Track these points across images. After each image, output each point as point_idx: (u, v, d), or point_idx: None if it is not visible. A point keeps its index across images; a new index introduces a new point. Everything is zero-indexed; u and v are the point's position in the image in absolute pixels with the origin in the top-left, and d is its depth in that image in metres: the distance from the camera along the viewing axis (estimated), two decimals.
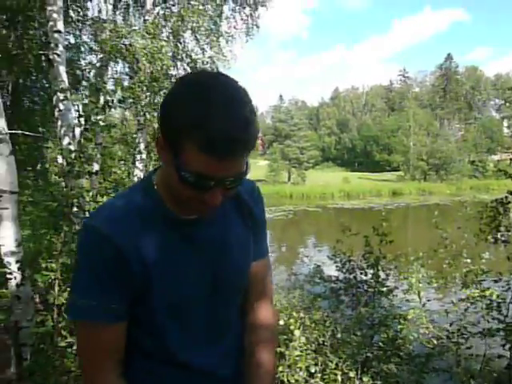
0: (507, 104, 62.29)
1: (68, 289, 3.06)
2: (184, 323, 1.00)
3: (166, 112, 0.85)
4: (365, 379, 3.10)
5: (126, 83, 8.13)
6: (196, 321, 1.01)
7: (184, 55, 10.32)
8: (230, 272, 1.05)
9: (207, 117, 0.79)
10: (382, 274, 4.56)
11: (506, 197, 4.16)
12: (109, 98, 3.00)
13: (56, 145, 9.15)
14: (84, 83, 8.33)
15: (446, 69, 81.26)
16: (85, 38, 9.57)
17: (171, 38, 9.50)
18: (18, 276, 3.08)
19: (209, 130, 0.78)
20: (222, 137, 0.78)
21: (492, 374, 3.68)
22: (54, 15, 4.28)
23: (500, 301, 3.94)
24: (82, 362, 1.01)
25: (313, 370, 3.08)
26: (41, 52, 7.44)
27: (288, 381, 3.00)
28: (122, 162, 7.31)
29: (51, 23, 4.27)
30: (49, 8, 4.23)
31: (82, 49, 9.22)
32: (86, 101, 3.06)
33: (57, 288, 2.94)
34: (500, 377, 3.69)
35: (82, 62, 9.32)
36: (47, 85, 8.62)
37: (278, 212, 28.84)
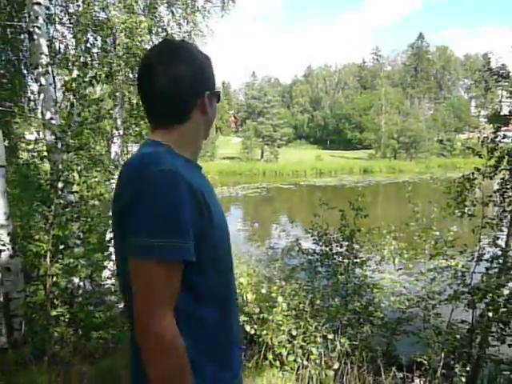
0: (476, 84, 63.73)
1: (59, 259, 3.15)
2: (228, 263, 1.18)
3: (204, 68, 1.17)
4: (342, 340, 3.35)
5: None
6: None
7: (160, 29, 10.17)
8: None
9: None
10: (356, 246, 4.83)
11: (473, 173, 4.43)
12: (98, 72, 3.03)
13: (24, 120, 8.94)
14: (58, 56, 8.12)
15: (418, 48, 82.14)
16: (53, 9, 9.28)
17: (146, 11, 9.32)
18: (9, 247, 3.14)
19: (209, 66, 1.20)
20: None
21: (455, 336, 4.00)
22: None
23: (465, 270, 4.25)
24: (142, 303, 0.95)
25: (294, 333, 3.30)
26: (12, 23, 7.22)
27: (272, 343, 3.21)
28: (105, 137, 7.25)
29: None
30: None
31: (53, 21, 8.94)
32: (74, 75, 3.08)
33: (48, 259, 3.02)
34: (462, 338, 4.01)
35: (54, 35, 9.06)
36: (14, 57, 8.35)
37: (251, 189, 29.05)
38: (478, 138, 4.42)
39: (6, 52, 9.00)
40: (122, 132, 7.95)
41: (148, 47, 9.25)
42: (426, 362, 3.70)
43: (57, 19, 9.00)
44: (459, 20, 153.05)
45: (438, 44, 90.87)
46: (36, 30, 4.15)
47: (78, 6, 7.77)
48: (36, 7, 4.15)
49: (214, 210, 1.06)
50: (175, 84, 1.09)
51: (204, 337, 1.04)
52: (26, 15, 6.21)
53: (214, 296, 1.07)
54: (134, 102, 7.46)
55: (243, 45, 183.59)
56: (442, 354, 3.65)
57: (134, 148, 11.06)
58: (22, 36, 7.65)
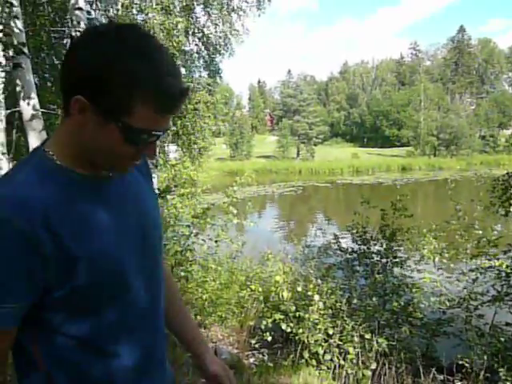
0: None
1: None
2: (123, 299, 0.91)
3: (103, 72, 0.79)
4: (380, 340, 3.30)
5: None
6: (135, 294, 0.93)
7: (196, 30, 10.31)
8: (154, 231, 1.01)
9: (158, 75, 0.79)
10: (394, 246, 4.72)
11: None
12: None
13: None
14: None
15: (459, 42, 79.38)
16: (94, 13, 9.58)
17: (183, 12, 9.47)
18: None
19: (163, 88, 0.79)
20: (174, 93, 0.81)
21: (499, 338, 3.86)
22: None
23: (509, 271, 4.09)
24: None
25: (331, 332, 3.28)
26: (56, 29, 7.51)
27: (308, 341, 3.20)
28: None
29: (72, 1, 4.34)
30: None
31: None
32: None
33: None
34: (506, 341, 3.86)
35: None
36: (57, 62, 8.66)
37: (287, 188, 28.98)
38: None
39: (50, 57, 9.37)
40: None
41: (185, 48, 9.43)
42: (467, 365, 3.58)
43: (97, 23, 9.28)
44: (502, 11, 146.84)
45: (480, 37, 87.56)
46: (78, 34, 4.29)
47: (117, 9, 7.99)
48: (78, 12, 4.30)
49: (79, 247, 0.83)
50: (64, 68, 0.84)
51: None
52: (69, 20, 6.46)
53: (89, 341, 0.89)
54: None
55: (279, 43, 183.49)
56: (485, 357, 3.53)
57: (171, 147, 11.28)
58: (65, 41, 7.92)
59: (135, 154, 0.86)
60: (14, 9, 3.19)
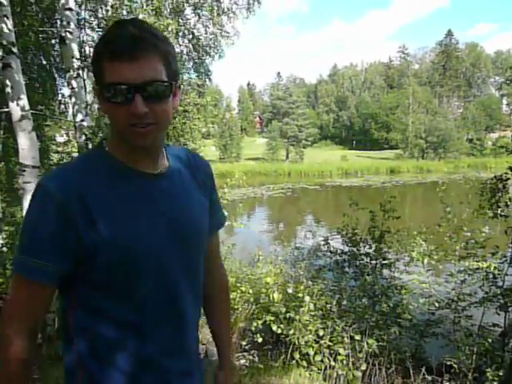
0: (508, 82, 61.89)
1: None
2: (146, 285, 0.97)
3: (92, 57, 0.96)
4: (370, 342, 3.32)
5: None
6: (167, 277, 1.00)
7: (186, 31, 10.29)
8: (192, 231, 1.05)
9: (110, 34, 0.92)
10: (384, 247, 4.76)
11: (506, 173, 4.32)
12: None
13: (55, 123, 9.17)
14: (88, 60, 8.32)
15: (446, 45, 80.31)
16: (83, 14, 9.51)
17: (173, 14, 9.44)
18: None
19: (110, 39, 0.91)
20: (120, 37, 0.89)
21: (487, 339, 3.90)
22: None
23: (497, 272, 4.14)
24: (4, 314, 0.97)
25: (321, 333, 3.29)
26: (44, 29, 7.44)
27: (299, 342, 3.21)
28: None
29: (62, 1, 4.30)
30: None
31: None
32: None
33: None
34: (494, 342, 3.91)
35: (84, 39, 9.28)
36: (45, 62, 8.58)
37: (277, 190, 29.01)
38: None
39: (38, 57, 9.27)
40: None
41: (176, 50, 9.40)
42: (455, 365, 3.62)
43: (87, 24, 9.22)
44: (489, 15, 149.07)
45: (468, 41, 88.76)
46: (68, 34, 4.25)
47: (107, 10, 7.95)
48: (67, 12, 4.26)
49: (109, 227, 0.92)
50: None
51: (105, 357, 0.96)
52: (58, 21, 6.40)
53: (117, 319, 0.96)
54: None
55: (269, 45, 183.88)
56: (473, 358, 3.57)
57: None
58: (54, 41, 7.85)
59: (129, 116, 0.91)
60: (4, 8, 3.16)
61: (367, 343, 3.35)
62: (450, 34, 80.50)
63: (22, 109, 3.22)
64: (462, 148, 52.43)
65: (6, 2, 3.18)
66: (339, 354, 3.35)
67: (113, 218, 0.93)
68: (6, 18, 3.18)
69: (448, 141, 51.53)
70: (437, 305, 4.25)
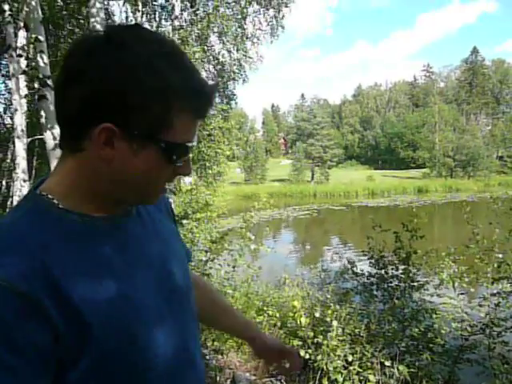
0: None
1: None
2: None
3: (132, 87, 0.65)
4: (401, 368, 3.23)
5: None
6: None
7: (211, 57, 10.57)
8: (180, 274, 0.86)
9: (188, 77, 0.70)
10: (412, 270, 4.66)
11: None
12: None
13: None
14: None
15: (472, 63, 79.51)
16: None
17: (199, 41, 9.74)
18: None
19: (196, 88, 0.70)
20: (204, 88, 0.71)
21: None
22: (94, 21, 4.49)
23: None
24: None
25: (350, 359, 3.23)
26: None
27: (327, 368, 3.16)
28: None
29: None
30: (91, 19, 4.48)
31: None
32: None
33: None
34: None
35: None
36: None
37: (302, 211, 28.90)
38: None
39: None
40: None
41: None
42: None
43: None
44: None
45: (495, 57, 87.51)
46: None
47: None
48: None
49: (99, 302, 0.67)
50: (63, 91, 0.70)
51: None
52: None
53: None
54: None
55: (293, 68, 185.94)
56: None
57: None
58: None
59: (172, 175, 0.76)
60: (40, 44, 3.35)
61: (398, 369, 3.26)
62: (475, 50, 79.73)
63: (56, 138, 3.36)
64: (491, 166, 51.19)
65: (42, 38, 3.37)
66: (369, 381, 3.27)
67: (93, 295, 0.67)
68: (42, 53, 3.37)
69: (477, 159, 50.44)
70: (470, 330, 4.11)
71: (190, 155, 0.77)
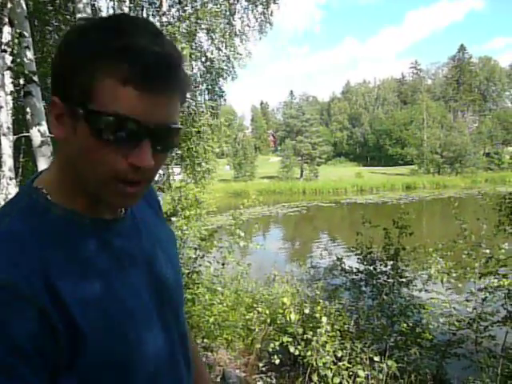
0: None
1: None
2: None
3: (65, 52, 0.63)
4: (389, 363, 3.26)
5: None
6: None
7: (199, 54, 10.50)
8: (174, 282, 0.83)
9: (131, 42, 0.60)
10: (401, 265, 4.70)
11: None
12: None
13: None
14: None
15: (459, 60, 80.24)
16: None
17: (186, 38, 9.66)
18: None
19: (137, 53, 0.59)
20: (154, 55, 0.60)
21: (511, 360, 3.79)
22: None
23: None
24: None
25: (339, 355, 3.25)
26: None
27: (317, 364, 3.17)
28: None
29: None
30: (78, 14, 4.42)
31: None
32: None
33: None
34: None
35: None
36: None
37: (292, 208, 28.98)
38: None
39: None
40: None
41: (189, 73, 9.59)
42: None
43: None
44: (503, 30, 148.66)
45: (484, 55, 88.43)
46: None
47: None
48: None
49: (89, 303, 0.65)
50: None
51: None
52: None
53: None
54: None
55: (281, 65, 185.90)
56: (498, 380, 3.47)
57: (175, 169, 11.37)
58: None
59: (124, 164, 0.63)
60: (25, 39, 3.29)
61: (387, 364, 3.28)
62: (462, 48, 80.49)
63: (42, 135, 3.31)
64: (479, 162, 51.80)
65: (27, 34, 3.31)
66: (358, 376, 3.29)
67: (87, 300, 0.64)
68: (27, 49, 3.31)
69: (464, 155, 51.00)
70: (457, 324, 4.15)
71: (148, 143, 0.63)
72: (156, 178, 6.83)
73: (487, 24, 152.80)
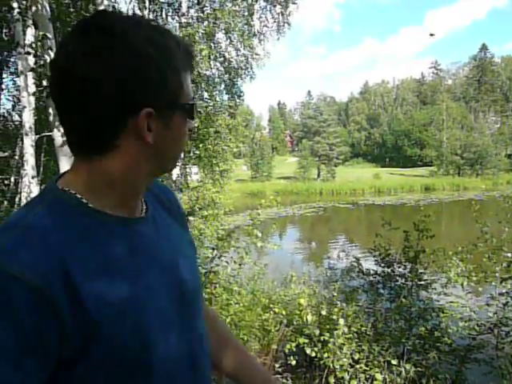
0: None
1: None
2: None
3: (159, 71, 0.69)
4: (407, 367, 3.22)
5: None
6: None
7: (217, 55, 10.54)
8: (192, 280, 0.84)
9: (175, 41, 0.74)
10: (420, 268, 4.63)
11: None
12: None
13: None
14: None
15: (481, 59, 78.80)
16: None
17: (205, 39, 9.71)
18: None
19: (184, 49, 0.75)
20: (190, 48, 0.79)
21: None
22: None
23: None
24: None
25: (356, 357, 3.22)
26: None
27: (333, 366, 3.16)
28: None
29: None
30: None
31: None
32: None
33: None
34: None
35: None
36: None
37: (308, 209, 28.88)
38: None
39: None
40: (182, 155, 8.25)
41: (207, 73, 9.64)
42: None
43: None
44: None
45: (504, 54, 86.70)
46: None
47: None
48: None
49: (110, 302, 0.66)
50: (85, 91, 0.66)
51: None
52: None
53: None
54: (195, 125, 7.74)
55: (300, 65, 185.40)
56: None
57: (193, 169, 11.43)
58: None
59: (187, 133, 0.80)
60: (49, 41, 3.36)
61: (405, 368, 3.25)
62: (484, 47, 78.99)
63: (64, 135, 3.38)
64: (500, 164, 50.81)
65: (50, 36, 3.38)
66: (376, 379, 3.26)
67: (104, 295, 0.66)
68: (50, 51, 3.38)
69: (485, 157, 50.09)
70: (477, 329, 4.08)
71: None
72: (174, 178, 6.89)
73: (510, 22, 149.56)
